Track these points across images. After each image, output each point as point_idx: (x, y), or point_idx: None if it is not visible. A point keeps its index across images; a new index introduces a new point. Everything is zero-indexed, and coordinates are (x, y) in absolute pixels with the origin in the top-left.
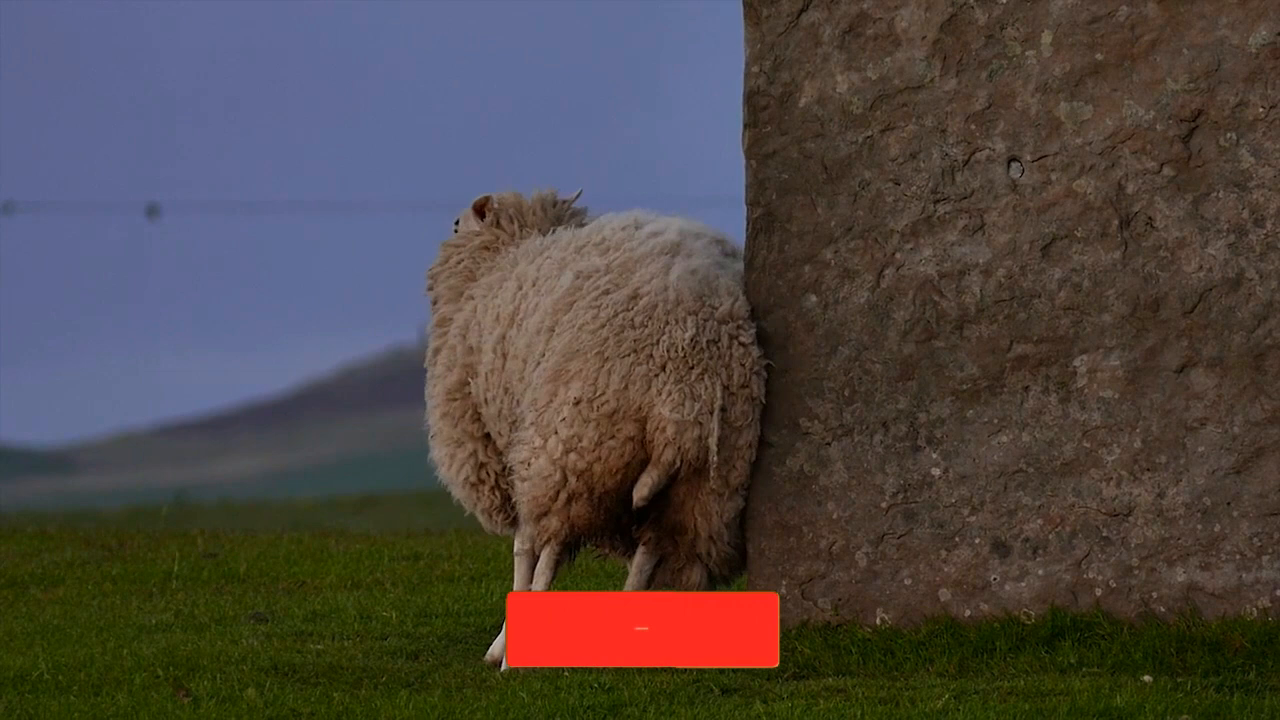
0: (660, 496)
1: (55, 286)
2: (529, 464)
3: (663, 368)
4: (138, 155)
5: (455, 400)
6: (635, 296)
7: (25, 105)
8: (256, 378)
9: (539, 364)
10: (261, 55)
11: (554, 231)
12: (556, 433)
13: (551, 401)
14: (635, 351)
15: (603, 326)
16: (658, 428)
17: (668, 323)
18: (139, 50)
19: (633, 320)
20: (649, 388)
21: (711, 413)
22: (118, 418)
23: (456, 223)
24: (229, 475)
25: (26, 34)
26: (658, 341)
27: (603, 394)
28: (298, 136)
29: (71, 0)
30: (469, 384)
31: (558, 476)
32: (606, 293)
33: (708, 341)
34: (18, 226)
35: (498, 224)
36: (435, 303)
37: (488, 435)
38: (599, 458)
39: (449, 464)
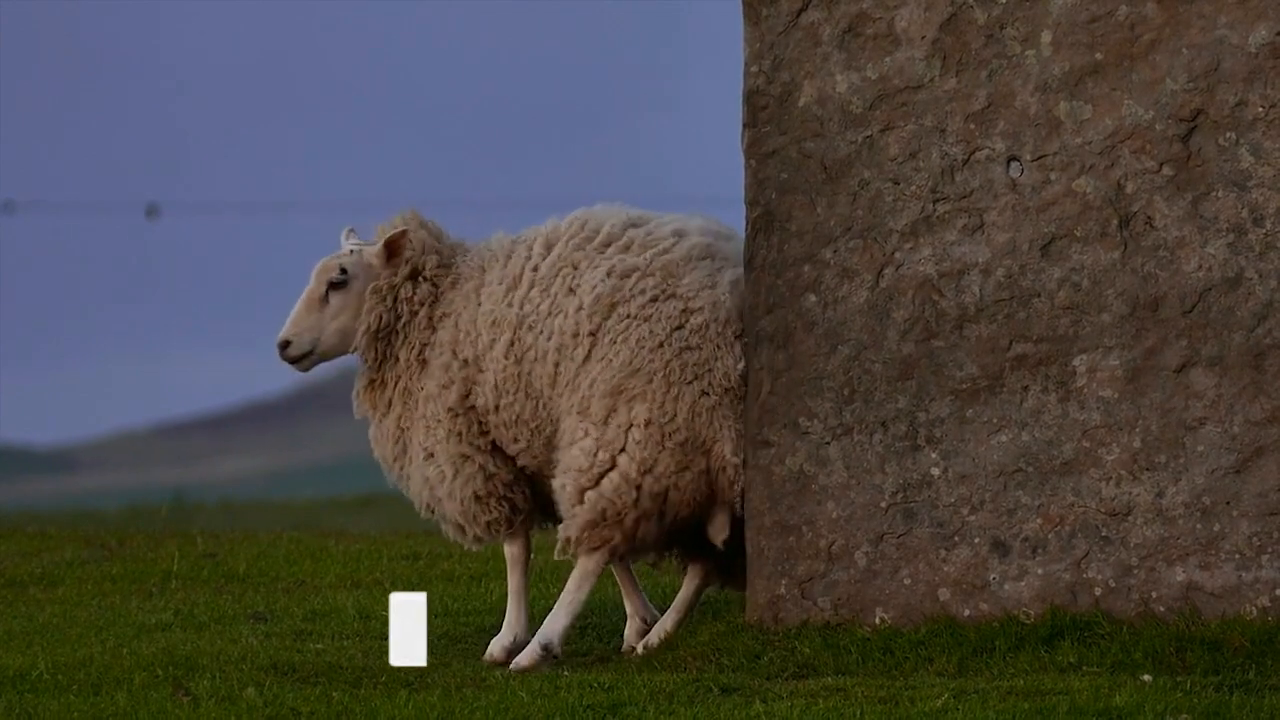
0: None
1: (55, 286)
2: (596, 477)
3: (720, 400)
4: (138, 155)
5: (459, 416)
6: (687, 311)
7: (25, 105)
8: (256, 378)
9: (580, 367)
10: (262, 56)
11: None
12: (625, 450)
13: (611, 418)
14: (698, 378)
15: (661, 345)
16: (721, 468)
17: (719, 346)
18: (139, 51)
19: (688, 341)
20: (712, 421)
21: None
22: (118, 418)
23: (342, 271)
24: (229, 475)
25: (27, 34)
26: (712, 369)
27: (673, 420)
28: (298, 137)
29: (73, 1)
30: (470, 396)
31: (633, 495)
32: (654, 300)
33: (744, 369)
34: (18, 226)
35: (425, 246)
36: (402, 335)
37: (493, 446)
38: (675, 485)
39: (451, 479)
